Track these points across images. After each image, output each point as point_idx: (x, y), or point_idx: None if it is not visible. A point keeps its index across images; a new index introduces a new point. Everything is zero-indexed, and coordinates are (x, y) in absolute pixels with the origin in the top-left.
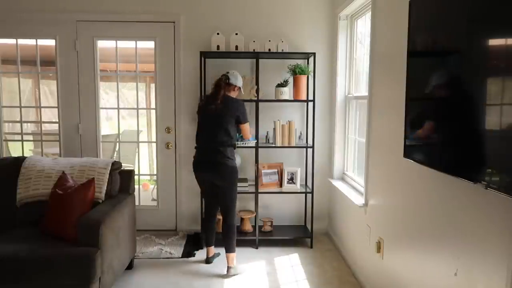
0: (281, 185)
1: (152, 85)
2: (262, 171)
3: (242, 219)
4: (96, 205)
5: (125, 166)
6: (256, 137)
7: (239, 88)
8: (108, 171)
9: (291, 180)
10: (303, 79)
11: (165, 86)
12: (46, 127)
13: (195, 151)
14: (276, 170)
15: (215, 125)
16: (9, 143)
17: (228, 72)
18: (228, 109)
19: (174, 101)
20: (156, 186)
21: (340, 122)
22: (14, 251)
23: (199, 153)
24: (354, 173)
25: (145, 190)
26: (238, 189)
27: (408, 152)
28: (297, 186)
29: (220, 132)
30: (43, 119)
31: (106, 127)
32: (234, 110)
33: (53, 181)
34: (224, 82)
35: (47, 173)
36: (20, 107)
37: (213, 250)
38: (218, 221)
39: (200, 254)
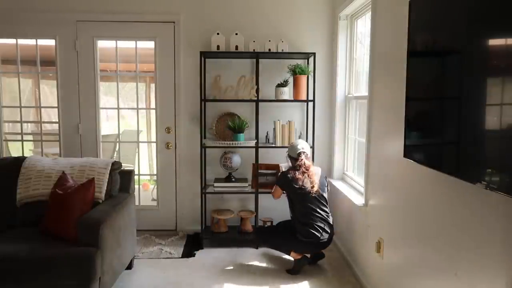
0: None
1: (152, 85)
2: (259, 171)
3: (242, 219)
4: (96, 205)
5: (125, 166)
6: (256, 137)
7: (288, 157)
8: (108, 171)
9: None
10: (303, 79)
11: (165, 86)
12: (46, 127)
13: None
14: (275, 171)
15: None
16: (9, 143)
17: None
18: None
19: (174, 101)
20: (156, 186)
21: (340, 122)
22: (14, 251)
23: None
24: (354, 173)
25: (145, 190)
26: (238, 189)
27: (408, 152)
28: None
29: None
30: (43, 119)
31: (106, 127)
32: None
33: (53, 181)
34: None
35: (47, 173)
36: (20, 107)
37: None
38: (219, 221)
39: (200, 254)
